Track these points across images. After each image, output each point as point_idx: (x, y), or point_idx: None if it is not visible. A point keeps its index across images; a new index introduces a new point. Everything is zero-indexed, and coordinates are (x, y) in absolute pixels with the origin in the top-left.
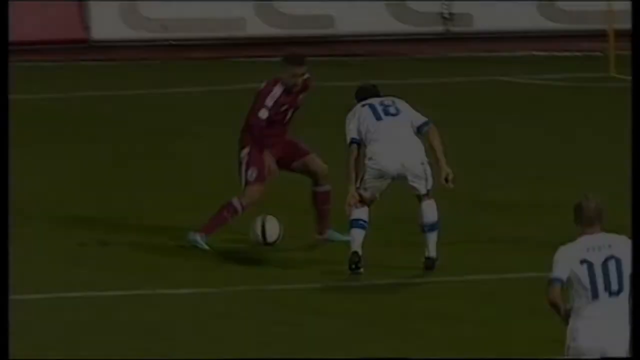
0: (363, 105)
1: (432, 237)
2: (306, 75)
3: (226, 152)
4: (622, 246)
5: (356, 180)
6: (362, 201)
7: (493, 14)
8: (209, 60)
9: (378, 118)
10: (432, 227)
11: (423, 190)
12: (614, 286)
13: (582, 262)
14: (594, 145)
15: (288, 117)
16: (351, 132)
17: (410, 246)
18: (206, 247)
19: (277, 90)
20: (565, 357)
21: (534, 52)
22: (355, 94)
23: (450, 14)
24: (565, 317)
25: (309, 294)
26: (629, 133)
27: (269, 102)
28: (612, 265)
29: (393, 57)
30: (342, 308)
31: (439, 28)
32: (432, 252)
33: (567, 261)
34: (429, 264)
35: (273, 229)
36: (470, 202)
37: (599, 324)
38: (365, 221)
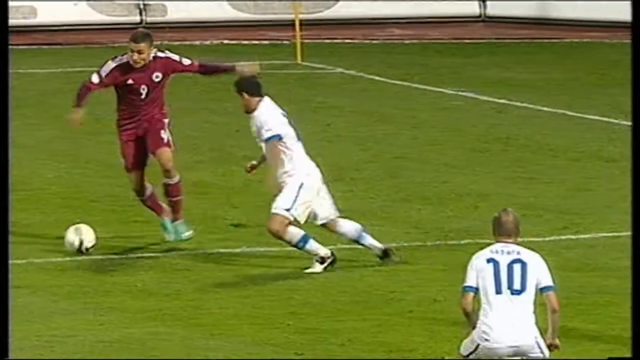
0: (283, 115)
1: (368, 238)
2: (148, 53)
3: None
4: (532, 257)
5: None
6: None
7: (186, 5)
8: None
9: (298, 139)
10: (364, 232)
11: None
12: (517, 285)
13: (489, 260)
14: None
15: (144, 94)
16: (277, 128)
17: (120, 223)
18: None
19: (111, 63)
20: (476, 352)
21: (224, 41)
22: (249, 88)
23: (145, 4)
24: (473, 325)
25: (15, 270)
26: (310, 115)
27: (102, 71)
28: (517, 267)
29: (90, 46)
30: (46, 283)
31: (135, 18)
32: (380, 244)
33: (476, 265)
34: (389, 252)
35: (89, 235)
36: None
37: (504, 322)
38: (305, 232)
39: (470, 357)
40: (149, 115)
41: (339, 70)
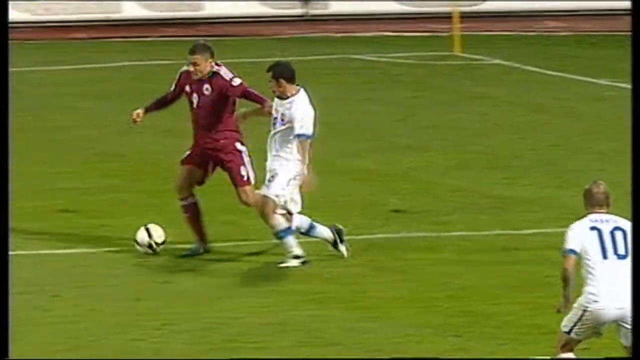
0: (308, 102)
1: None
2: (204, 65)
3: (98, 122)
4: (627, 224)
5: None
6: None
7: None
8: (88, 40)
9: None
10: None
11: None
12: (621, 250)
13: (592, 229)
14: (436, 117)
15: (194, 103)
16: (311, 128)
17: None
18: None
19: (180, 70)
20: (582, 320)
21: (385, 33)
22: (287, 74)
23: None
24: (565, 289)
25: (178, 254)
26: (467, 105)
27: (175, 79)
28: (619, 234)
29: (256, 37)
30: (213, 267)
31: (298, 11)
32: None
33: (578, 233)
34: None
35: (157, 231)
36: (329, 169)
37: (611, 285)
38: (289, 226)
39: (574, 329)
40: (215, 135)
41: (497, 61)
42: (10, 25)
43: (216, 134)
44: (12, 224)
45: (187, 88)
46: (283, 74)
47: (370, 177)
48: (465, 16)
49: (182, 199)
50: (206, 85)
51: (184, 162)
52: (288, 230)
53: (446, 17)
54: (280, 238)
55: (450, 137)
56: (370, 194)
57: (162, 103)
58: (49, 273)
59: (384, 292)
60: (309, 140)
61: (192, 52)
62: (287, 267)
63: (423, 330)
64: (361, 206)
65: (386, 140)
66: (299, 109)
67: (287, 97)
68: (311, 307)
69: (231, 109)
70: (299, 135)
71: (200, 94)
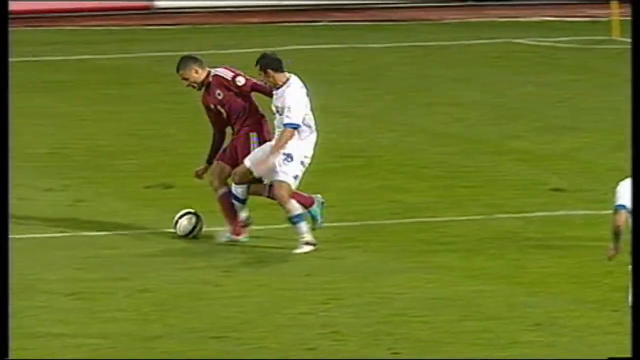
0: (307, 95)
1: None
2: (194, 76)
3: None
4: None
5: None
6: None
7: None
8: (259, 24)
9: (311, 110)
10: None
11: None
12: None
13: None
14: (595, 99)
15: (224, 113)
16: (298, 117)
17: (446, 189)
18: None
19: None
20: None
21: (546, 18)
22: (273, 65)
23: None
24: (616, 242)
25: (346, 231)
26: (625, 89)
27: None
28: None
29: (421, 22)
30: (376, 244)
31: None
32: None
33: (627, 188)
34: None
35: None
36: (492, 150)
37: None
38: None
39: None
40: (240, 129)
41: None
42: (184, 10)
43: (244, 125)
44: (185, 202)
45: (212, 105)
46: (269, 65)
47: (531, 157)
48: (624, 2)
49: (215, 190)
50: (217, 91)
51: (218, 157)
52: (301, 216)
53: (605, 3)
54: (294, 223)
55: (609, 119)
56: (531, 174)
57: (219, 139)
58: (219, 249)
59: (544, 268)
60: (293, 130)
61: (177, 70)
62: (301, 252)
63: (582, 305)
64: (522, 185)
65: (547, 121)
66: (288, 98)
67: (279, 87)
68: (474, 283)
69: (251, 102)
70: (285, 125)
71: (217, 103)
